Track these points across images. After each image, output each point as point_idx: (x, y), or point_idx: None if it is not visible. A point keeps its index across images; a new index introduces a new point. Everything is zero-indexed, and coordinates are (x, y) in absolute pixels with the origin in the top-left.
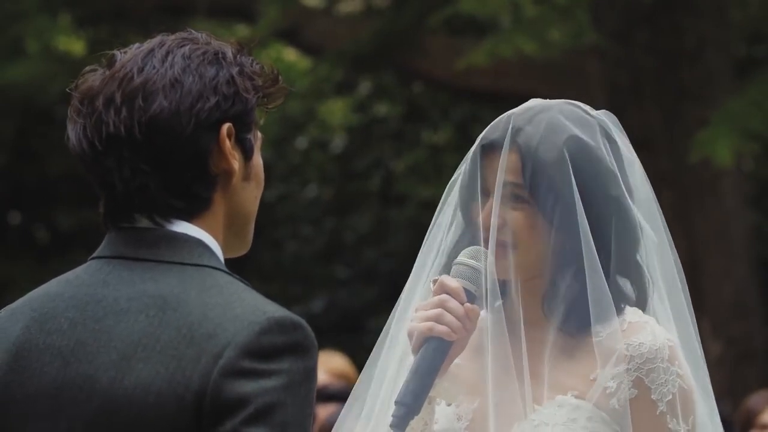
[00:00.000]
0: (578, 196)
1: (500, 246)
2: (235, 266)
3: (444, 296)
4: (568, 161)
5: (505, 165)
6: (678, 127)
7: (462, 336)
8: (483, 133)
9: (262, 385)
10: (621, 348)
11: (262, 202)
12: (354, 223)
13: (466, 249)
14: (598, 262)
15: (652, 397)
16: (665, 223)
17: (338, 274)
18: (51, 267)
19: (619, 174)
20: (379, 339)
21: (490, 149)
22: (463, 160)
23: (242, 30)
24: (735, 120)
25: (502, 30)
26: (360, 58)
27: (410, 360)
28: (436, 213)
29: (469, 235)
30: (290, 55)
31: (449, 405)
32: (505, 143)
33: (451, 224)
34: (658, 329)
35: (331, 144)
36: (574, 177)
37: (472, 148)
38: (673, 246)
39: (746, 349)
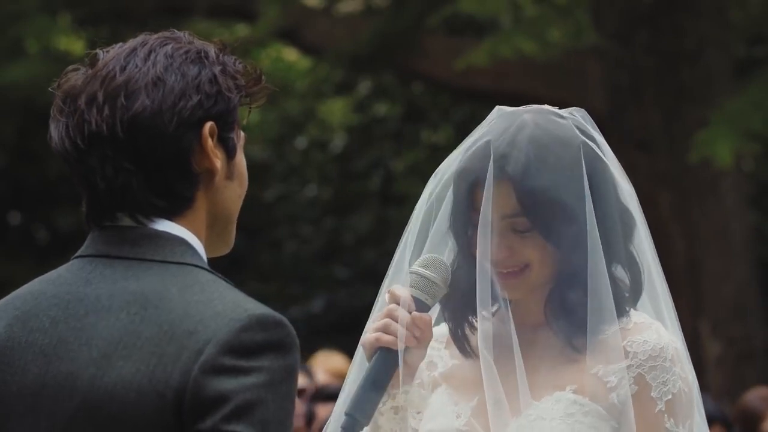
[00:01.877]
0: (573, 208)
1: (512, 275)
2: (235, 266)
3: (392, 306)
4: (558, 178)
5: (498, 198)
6: (678, 127)
7: (414, 344)
8: (464, 163)
9: (243, 382)
10: (624, 345)
11: (262, 202)
12: (353, 223)
13: (420, 258)
14: (604, 266)
15: (652, 394)
16: (644, 217)
17: (338, 274)
18: (51, 267)
19: (606, 168)
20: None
21: (479, 183)
22: (434, 184)
23: (242, 30)
24: (735, 120)
25: (501, 30)
26: (360, 58)
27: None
28: (403, 238)
29: (468, 267)
30: (290, 55)
31: (418, 413)
32: (488, 176)
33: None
34: (663, 331)
35: (330, 144)
36: (565, 192)
37: (451, 176)
38: (650, 237)
39: (746, 349)
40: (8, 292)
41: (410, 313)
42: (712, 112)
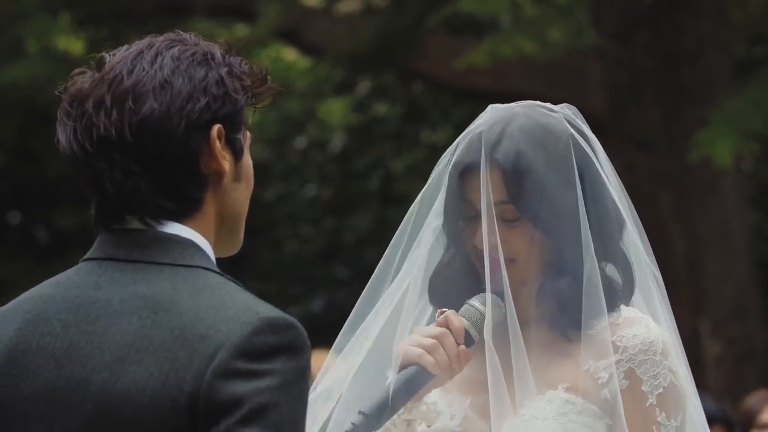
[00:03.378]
0: (562, 198)
1: (498, 263)
2: (235, 266)
3: (444, 330)
4: (547, 168)
5: (489, 185)
6: (678, 127)
7: (446, 373)
8: (456, 156)
9: (256, 385)
10: (614, 339)
11: (262, 202)
12: (353, 223)
13: (480, 294)
14: (594, 257)
15: (643, 388)
16: (635, 211)
17: (338, 274)
18: (51, 267)
19: (596, 163)
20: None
21: (469, 172)
22: (429, 182)
23: (242, 30)
24: (734, 120)
25: (502, 30)
26: (359, 58)
27: (390, 375)
28: (402, 234)
29: (460, 260)
30: (290, 54)
31: (429, 426)
32: (482, 163)
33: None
34: (653, 325)
35: (330, 144)
36: (554, 181)
37: (445, 171)
38: (644, 234)
39: (746, 349)
40: (8, 292)
41: (458, 345)
42: (712, 112)
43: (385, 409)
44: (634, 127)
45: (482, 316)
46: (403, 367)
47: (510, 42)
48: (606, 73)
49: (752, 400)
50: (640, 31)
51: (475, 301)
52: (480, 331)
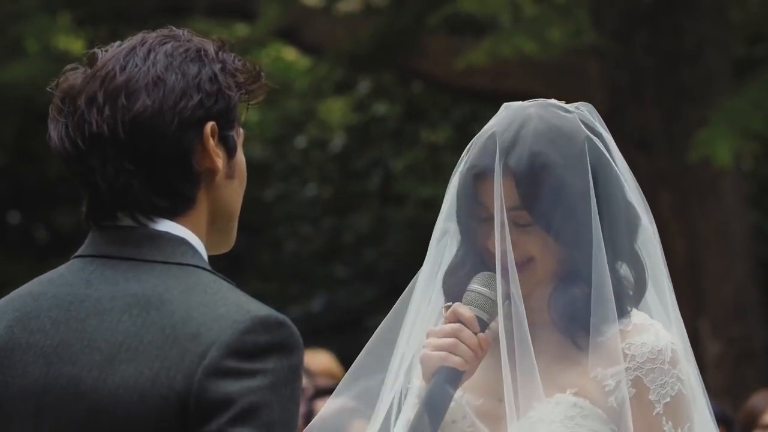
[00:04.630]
0: (576, 204)
1: (512, 268)
2: (235, 266)
3: (458, 326)
4: (560, 174)
5: (501, 191)
6: (678, 127)
7: (474, 364)
8: (471, 159)
9: (247, 384)
10: (623, 347)
11: (262, 201)
12: (353, 223)
13: (477, 275)
14: (606, 264)
15: (650, 397)
16: (651, 212)
17: (337, 273)
18: (51, 267)
19: (612, 163)
20: (370, 347)
21: (483, 176)
22: (450, 182)
23: (241, 29)
24: (734, 120)
25: (501, 30)
26: (359, 57)
27: (420, 386)
28: (435, 239)
29: (473, 260)
30: (289, 54)
31: (454, 422)
32: (496, 169)
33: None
34: (663, 332)
35: (330, 143)
36: (568, 187)
37: (461, 172)
38: (657, 235)
39: (746, 349)
40: (8, 292)
41: (476, 333)
42: (711, 111)
43: (433, 423)
44: (633, 127)
45: (486, 299)
46: (430, 376)
47: (510, 42)
48: (606, 73)
49: (755, 400)
50: (640, 31)
51: (475, 285)
52: (490, 312)
